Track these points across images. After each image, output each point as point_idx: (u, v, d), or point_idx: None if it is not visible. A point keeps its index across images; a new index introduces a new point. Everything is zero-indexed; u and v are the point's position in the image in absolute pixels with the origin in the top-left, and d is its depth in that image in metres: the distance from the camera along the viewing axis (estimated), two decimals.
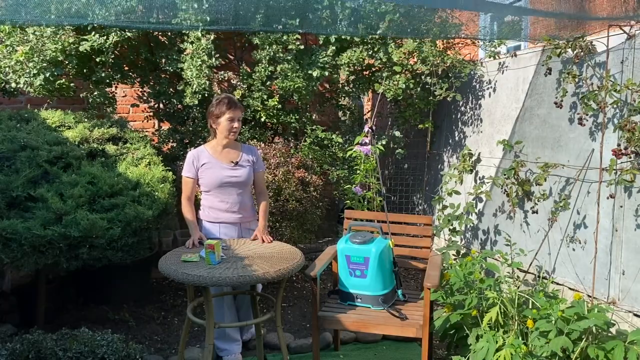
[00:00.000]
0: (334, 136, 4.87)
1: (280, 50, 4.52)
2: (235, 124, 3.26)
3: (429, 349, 3.17)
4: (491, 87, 4.59)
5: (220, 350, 3.42)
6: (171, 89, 4.66)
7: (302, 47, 4.57)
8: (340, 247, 3.28)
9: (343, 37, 4.57)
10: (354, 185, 4.38)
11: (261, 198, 3.44)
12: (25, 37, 4.16)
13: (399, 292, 3.36)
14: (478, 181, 4.65)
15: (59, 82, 4.25)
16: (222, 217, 3.32)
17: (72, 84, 4.36)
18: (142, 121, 5.38)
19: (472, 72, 4.69)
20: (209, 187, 3.29)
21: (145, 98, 4.83)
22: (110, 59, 4.29)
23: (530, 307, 2.77)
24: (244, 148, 3.42)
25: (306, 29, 3.98)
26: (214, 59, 4.29)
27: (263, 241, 3.21)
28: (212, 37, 4.24)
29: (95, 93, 4.44)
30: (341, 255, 3.26)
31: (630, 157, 3.19)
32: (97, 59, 4.34)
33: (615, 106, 3.32)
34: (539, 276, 3.85)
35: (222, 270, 2.68)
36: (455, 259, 4.41)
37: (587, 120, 3.49)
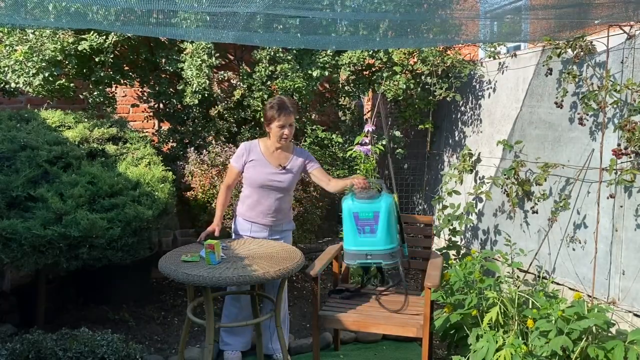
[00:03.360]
0: (334, 136, 4.87)
1: (280, 49, 4.52)
2: (286, 131, 3.19)
3: (429, 349, 3.17)
4: (491, 87, 4.59)
5: (225, 344, 3.42)
6: (171, 89, 4.66)
7: (302, 46, 4.57)
8: (347, 206, 3.17)
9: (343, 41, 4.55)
10: None
11: (332, 180, 3.36)
12: (25, 37, 4.15)
13: (405, 247, 3.32)
14: (478, 181, 4.65)
15: (58, 82, 4.25)
16: (256, 218, 3.29)
17: (71, 84, 4.36)
18: (142, 121, 5.38)
19: (472, 72, 4.69)
20: (251, 185, 3.27)
21: (145, 98, 4.83)
22: (110, 59, 4.29)
23: (530, 307, 2.77)
24: (296, 151, 3.35)
25: (306, 30, 3.97)
26: (213, 59, 4.29)
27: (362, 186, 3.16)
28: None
29: (95, 93, 4.44)
30: (348, 215, 3.16)
31: (630, 157, 3.19)
32: (97, 59, 4.34)
33: (615, 106, 3.32)
34: (539, 276, 3.85)
35: (222, 270, 2.68)
36: (455, 259, 4.41)
37: (587, 120, 3.50)
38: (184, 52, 4.41)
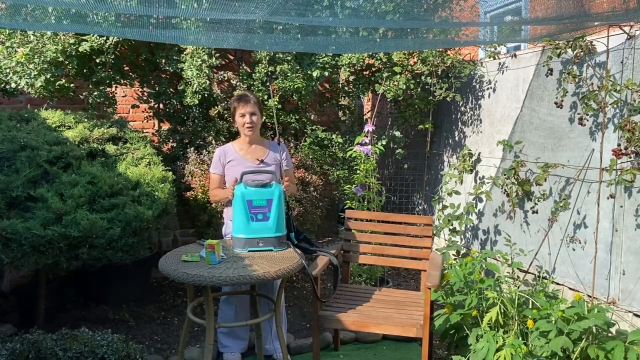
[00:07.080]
0: (334, 136, 4.87)
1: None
2: (247, 119, 3.26)
3: (429, 349, 3.17)
4: (491, 87, 4.59)
5: (223, 346, 3.42)
6: (171, 89, 4.67)
7: (302, 49, 4.57)
8: (239, 192, 3.11)
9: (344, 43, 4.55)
10: (354, 185, 4.39)
11: (291, 186, 3.38)
12: (26, 38, 4.16)
13: (292, 235, 3.29)
14: (478, 181, 4.65)
15: (59, 82, 4.25)
16: None
17: (72, 85, 4.36)
18: (142, 121, 5.38)
19: (472, 72, 4.69)
20: None
21: (145, 98, 4.83)
22: (111, 60, 4.29)
23: (530, 307, 2.77)
24: (271, 145, 3.42)
25: (306, 31, 3.97)
26: (214, 59, 4.29)
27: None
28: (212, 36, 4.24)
29: (95, 93, 4.44)
30: (241, 201, 3.08)
31: (630, 157, 3.19)
32: (97, 60, 4.35)
33: (615, 106, 3.32)
34: (539, 276, 3.85)
35: (223, 269, 2.68)
36: (455, 259, 4.41)
37: (587, 120, 3.50)
38: (184, 53, 4.41)
